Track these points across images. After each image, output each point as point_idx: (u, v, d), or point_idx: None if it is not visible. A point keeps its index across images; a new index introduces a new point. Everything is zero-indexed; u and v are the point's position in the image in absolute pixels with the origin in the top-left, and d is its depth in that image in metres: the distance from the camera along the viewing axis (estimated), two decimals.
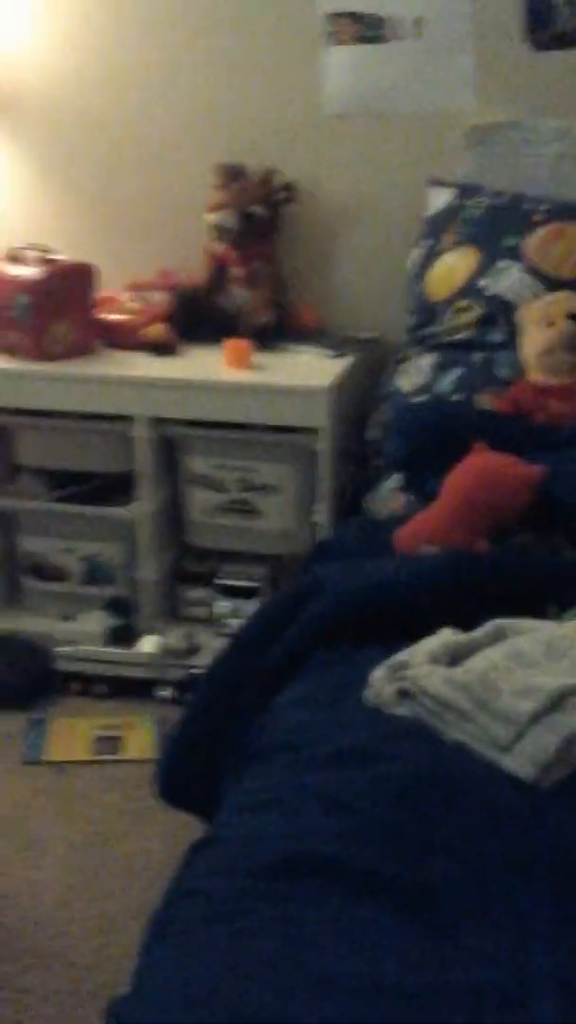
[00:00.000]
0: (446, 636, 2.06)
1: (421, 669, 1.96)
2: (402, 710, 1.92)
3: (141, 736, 2.99)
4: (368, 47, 3.36)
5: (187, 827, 2.12)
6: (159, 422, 3.21)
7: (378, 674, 2.00)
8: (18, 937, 2.35)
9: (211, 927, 1.53)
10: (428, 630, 2.09)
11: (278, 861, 1.60)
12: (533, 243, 3.06)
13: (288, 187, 3.39)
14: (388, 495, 2.98)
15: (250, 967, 1.42)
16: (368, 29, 3.35)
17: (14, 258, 3.30)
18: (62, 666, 3.17)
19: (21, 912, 2.42)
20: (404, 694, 1.94)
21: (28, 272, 3.23)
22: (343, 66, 3.38)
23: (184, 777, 2.35)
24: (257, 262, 3.41)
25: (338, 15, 3.35)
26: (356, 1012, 1.37)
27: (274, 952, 1.45)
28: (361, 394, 3.30)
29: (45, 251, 3.29)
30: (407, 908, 1.54)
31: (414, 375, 3.08)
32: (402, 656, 2.02)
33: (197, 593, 3.36)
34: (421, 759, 1.80)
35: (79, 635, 3.18)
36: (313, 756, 1.84)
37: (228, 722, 2.28)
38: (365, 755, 1.82)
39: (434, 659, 2.00)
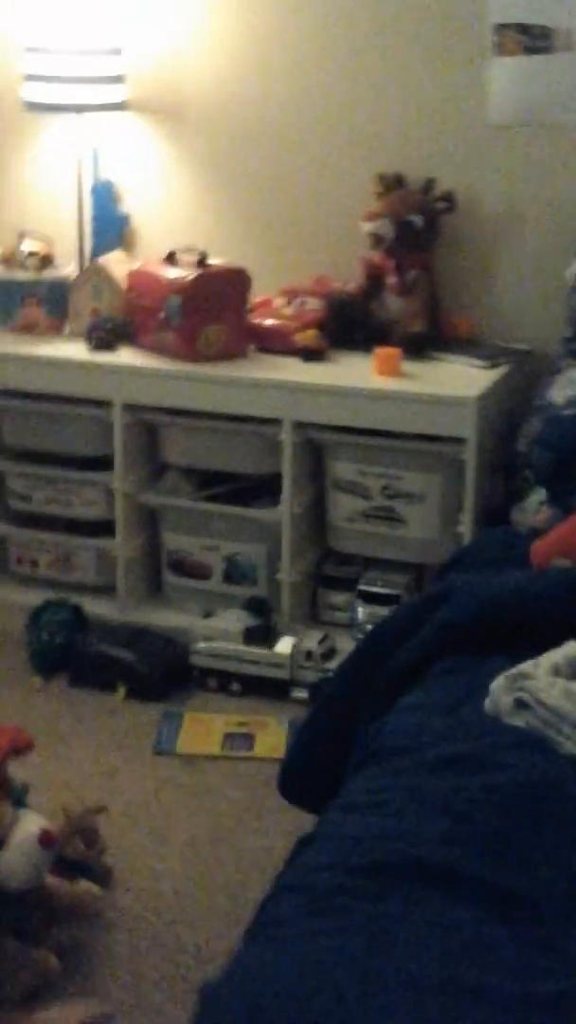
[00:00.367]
0: (571, 649, 2.04)
1: (541, 680, 1.95)
2: (518, 720, 1.91)
3: (273, 735, 3.02)
4: (535, 58, 3.35)
5: (310, 825, 2.13)
6: (306, 426, 3.24)
7: (498, 683, 2.00)
8: (136, 922, 2.40)
9: (306, 921, 1.54)
10: (554, 643, 2.08)
11: (378, 861, 1.61)
12: None
13: (447, 197, 3.38)
14: (534, 508, 2.95)
15: (340, 963, 1.43)
16: (535, 40, 3.33)
17: (170, 260, 3.37)
18: (199, 662, 3.22)
19: (141, 898, 2.46)
20: (522, 704, 1.93)
21: (182, 274, 3.29)
22: (508, 77, 3.37)
23: (306, 776, 2.38)
24: (413, 271, 3.41)
25: (505, 26, 3.35)
26: (444, 1014, 1.37)
27: (366, 950, 1.46)
28: (513, 405, 3.28)
29: (201, 254, 3.34)
30: (507, 916, 1.53)
31: (567, 387, 3.05)
32: (524, 667, 2.01)
33: (338, 597, 3.38)
34: (533, 770, 1.79)
35: (217, 632, 3.22)
36: (425, 760, 1.84)
37: (351, 724, 2.29)
38: (477, 763, 1.82)
39: (557, 671, 1.99)
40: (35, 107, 3.50)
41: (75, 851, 2.42)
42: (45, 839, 2.21)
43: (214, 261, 3.37)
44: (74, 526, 3.50)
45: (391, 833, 1.67)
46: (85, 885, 2.35)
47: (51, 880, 2.31)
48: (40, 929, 2.28)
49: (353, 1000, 1.36)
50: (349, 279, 3.48)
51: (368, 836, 1.67)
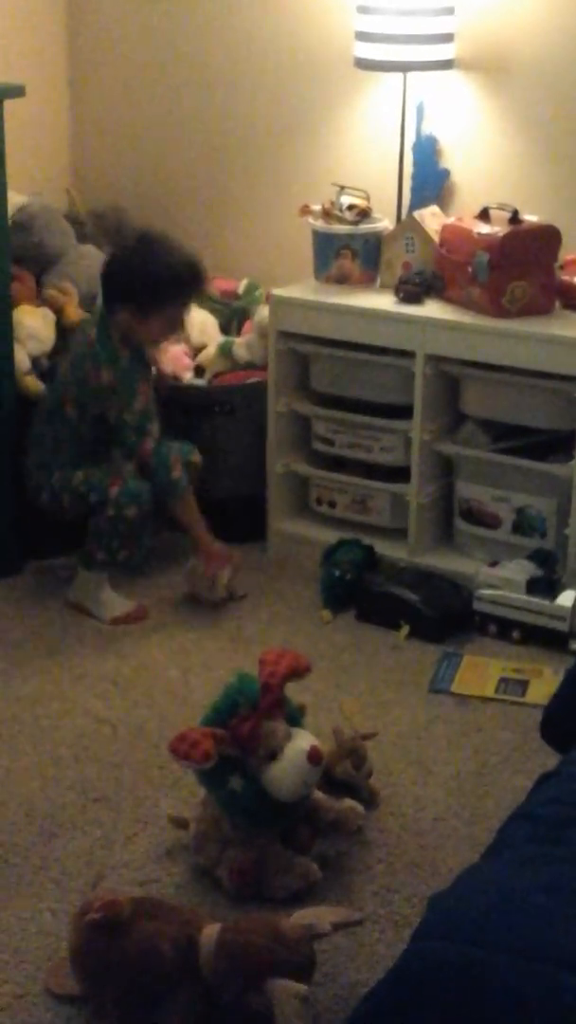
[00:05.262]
0: None
1: None
2: None
3: (547, 684, 3.09)
4: None
5: None
6: None
7: None
8: (395, 843, 2.55)
9: (530, 846, 1.66)
10: None
11: None
12: None
13: None
14: None
15: (553, 885, 1.55)
16: None
17: (483, 216, 3.46)
18: (481, 608, 3.32)
19: (402, 822, 2.62)
20: None
21: (493, 230, 3.37)
22: None
23: (568, 720, 2.46)
24: None
25: None
26: None
27: None
28: None
29: (514, 211, 3.41)
30: None
31: None
32: None
33: None
34: None
35: (502, 581, 3.32)
36: None
37: None
38: None
39: None
40: (364, 64, 3.63)
41: (344, 772, 2.60)
42: (314, 756, 2.39)
43: (527, 218, 3.44)
44: (372, 470, 3.66)
45: None
46: (350, 803, 2.52)
47: (319, 796, 2.50)
48: (305, 839, 2.47)
49: (557, 918, 1.47)
50: None
51: None
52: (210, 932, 2.13)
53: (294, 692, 2.52)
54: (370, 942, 2.28)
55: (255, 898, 2.39)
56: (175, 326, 3.43)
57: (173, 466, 3.38)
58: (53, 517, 3.45)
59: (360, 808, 2.52)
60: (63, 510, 3.41)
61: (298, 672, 2.48)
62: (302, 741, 2.41)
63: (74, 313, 3.75)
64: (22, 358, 3.58)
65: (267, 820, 2.42)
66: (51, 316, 3.69)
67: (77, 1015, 2.15)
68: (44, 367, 3.65)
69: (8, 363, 3.51)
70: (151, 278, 3.29)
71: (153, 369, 3.55)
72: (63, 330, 3.70)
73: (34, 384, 3.59)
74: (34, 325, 3.63)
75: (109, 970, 2.12)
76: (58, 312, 3.72)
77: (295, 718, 2.49)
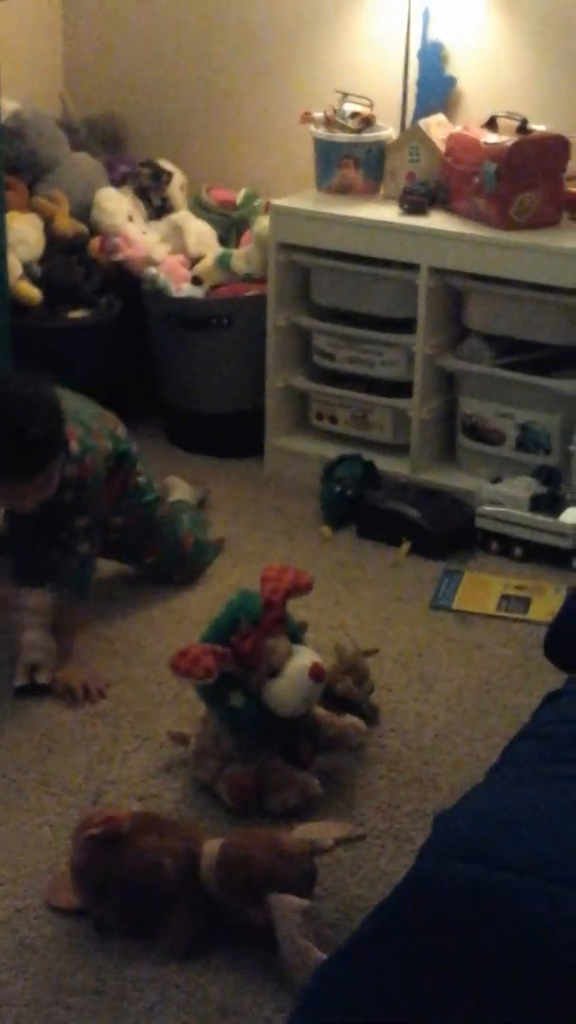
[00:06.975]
0: None
1: None
2: None
3: (549, 601, 3.08)
4: None
5: None
6: None
7: None
8: (396, 760, 2.54)
9: (539, 765, 1.64)
10: None
11: None
12: None
13: None
14: None
15: (561, 803, 1.53)
16: None
17: (491, 125, 3.38)
18: (484, 525, 3.29)
19: (403, 738, 2.61)
20: None
21: (500, 140, 3.30)
22: None
23: (572, 638, 2.44)
24: None
25: None
26: None
27: None
28: None
29: (522, 120, 3.33)
30: None
31: None
32: None
33: None
34: None
35: (505, 497, 3.28)
36: None
37: None
38: None
39: None
40: None
41: (345, 688, 2.58)
42: (315, 673, 2.37)
43: (535, 127, 3.36)
44: (373, 385, 3.61)
45: None
46: (351, 719, 2.51)
47: (320, 712, 2.48)
48: (306, 755, 2.45)
49: (565, 836, 1.46)
50: None
51: None
52: (211, 847, 2.12)
53: (295, 608, 2.50)
54: (372, 857, 2.27)
55: (255, 813, 2.38)
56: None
57: None
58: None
59: (361, 724, 2.51)
60: None
61: (300, 589, 2.46)
62: (304, 658, 2.39)
63: (64, 222, 3.70)
64: (13, 263, 3.52)
65: (268, 736, 2.41)
66: (38, 223, 3.65)
67: (77, 929, 2.14)
68: (36, 273, 3.60)
69: (2, 268, 3.45)
70: None
71: None
72: (53, 239, 3.66)
73: (26, 289, 3.54)
74: (22, 230, 3.59)
75: (110, 885, 2.12)
76: (48, 220, 3.68)
77: (296, 635, 2.47)
